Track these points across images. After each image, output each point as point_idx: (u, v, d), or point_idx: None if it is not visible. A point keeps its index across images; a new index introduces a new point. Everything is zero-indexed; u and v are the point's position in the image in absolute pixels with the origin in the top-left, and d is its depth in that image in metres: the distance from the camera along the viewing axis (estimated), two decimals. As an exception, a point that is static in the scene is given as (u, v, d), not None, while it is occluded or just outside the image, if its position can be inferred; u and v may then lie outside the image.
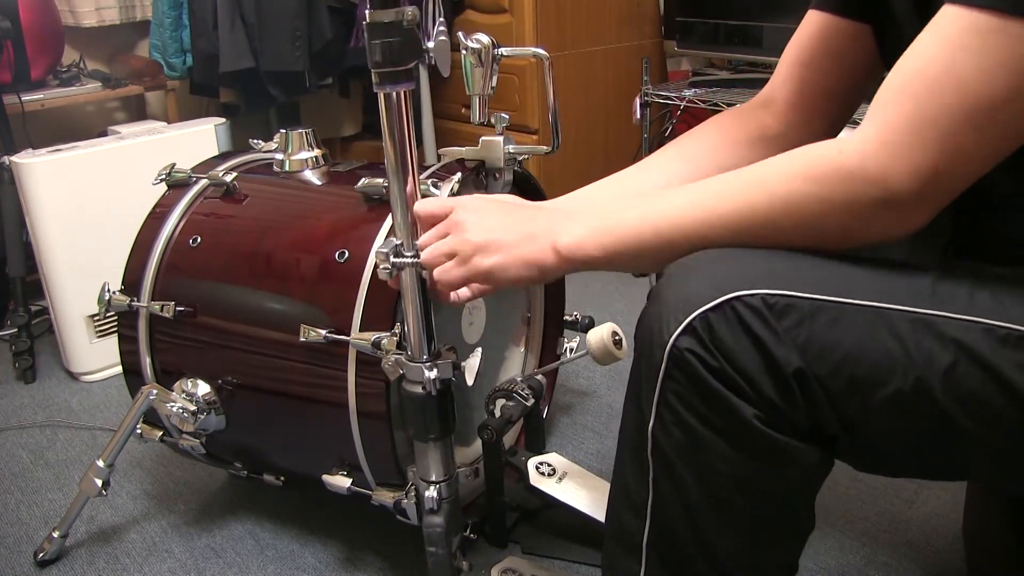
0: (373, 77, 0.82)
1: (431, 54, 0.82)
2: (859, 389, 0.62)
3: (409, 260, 0.87)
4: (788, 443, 0.64)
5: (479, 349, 1.00)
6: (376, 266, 0.92)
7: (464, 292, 0.85)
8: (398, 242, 0.88)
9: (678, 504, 0.68)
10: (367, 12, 0.78)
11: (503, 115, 1.12)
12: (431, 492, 0.96)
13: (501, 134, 1.13)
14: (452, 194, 1.06)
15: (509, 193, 1.09)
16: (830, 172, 0.64)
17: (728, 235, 0.68)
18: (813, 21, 0.87)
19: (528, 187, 1.29)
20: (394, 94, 0.82)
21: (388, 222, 1.07)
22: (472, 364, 0.98)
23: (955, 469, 0.69)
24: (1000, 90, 0.59)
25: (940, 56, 0.61)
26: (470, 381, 0.96)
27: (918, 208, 0.63)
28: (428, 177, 1.10)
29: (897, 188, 0.62)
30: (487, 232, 0.78)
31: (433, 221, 0.84)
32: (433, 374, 0.91)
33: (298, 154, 1.25)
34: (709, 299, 0.63)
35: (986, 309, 0.63)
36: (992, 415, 0.62)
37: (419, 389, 0.92)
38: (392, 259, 0.87)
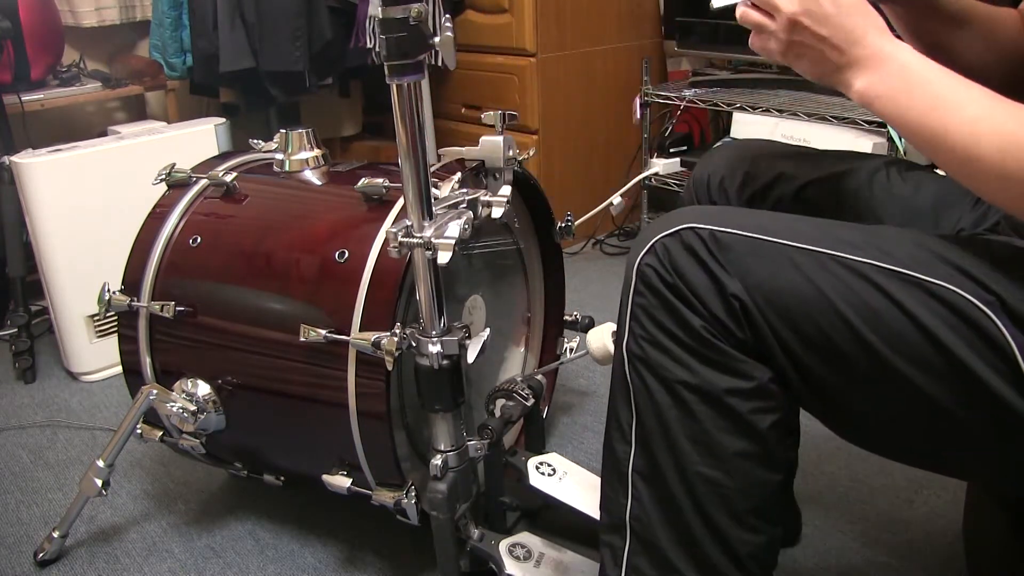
0: (385, 69, 0.88)
1: (437, 48, 0.88)
2: (793, 320, 0.69)
3: (419, 240, 0.92)
4: (735, 355, 0.71)
5: (486, 330, 1.02)
6: (383, 250, 1.01)
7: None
8: (409, 223, 0.93)
9: (655, 421, 0.75)
10: (379, 8, 0.85)
11: (511, 112, 1.13)
12: (437, 460, 1.01)
13: (501, 134, 1.13)
14: (452, 190, 1.06)
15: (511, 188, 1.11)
16: None
17: (994, 174, 0.66)
18: None
19: (528, 187, 1.30)
20: (405, 85, 0.88)
21: (388, 222, 1.07)
22: (476, 343, 1.00)
23: (910, 432, 0.71)
24: None
25: None
26: (471, 359, 0.99)
27: None
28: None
29: None
30: (803, 53, 0.77)
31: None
32: (437, 348, 0.96)
33: (298, 154, 1.25)
34: (670, 227, 0.74)
35: (922, 263, 0.68)
36: (922, 360, 0.66)
37: (427, 362, 0.98)
38: (401, 239, 0.93)
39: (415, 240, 0.93)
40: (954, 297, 0.66)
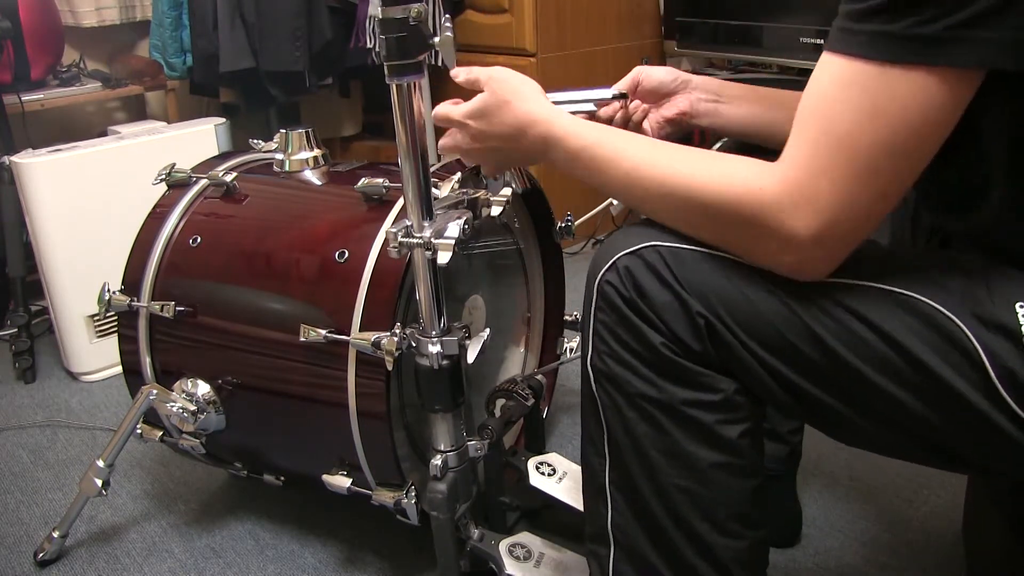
0: (385, 69, 0.88)
1: (437, 48, 0.88)
2: (762, 335, 0.69)
3: (418, 241, 0.92)
4: (698, 369, 0.72)
5: (486, 330, 1.02)
6: (383, 250, 1.02)
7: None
8: (409, 223, 0.93)
9: (625, 436, 0.75)
10: (379, 8, 0.85)
11: None
12: (437, 460, 1.01)
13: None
14: (452, 190, 1.07)
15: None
16: (750, 203, 0.67)
17: (660, 208, 0.75)
18: None
19: (527, 187, 1.30)
20: (404, 85, 0.89)
21: (388, 222, 1.07)
22: (476, 343, 1.00)
23: (893, 435, 0.71)
24: (877, 138, 0.62)
25: (823, 104, 0.64)
26: (471, 359, 0.99)
27: (819, 251, 0.66)
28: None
29: (802, 235, 0.65)
30: (483, 151, 0.93)
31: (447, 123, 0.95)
32: (437, 348, 0.96)
33: (298, 154, 1.25)
34: (631, 246, 0.74)
35: (886, 274, 0.68)
36: (892, 370, 0.66)
37: (426, 362, 0.97)
38: (400, 239, 0.93)
39: (415, 240, 0.93)
40: (921, 306, 0.66)
